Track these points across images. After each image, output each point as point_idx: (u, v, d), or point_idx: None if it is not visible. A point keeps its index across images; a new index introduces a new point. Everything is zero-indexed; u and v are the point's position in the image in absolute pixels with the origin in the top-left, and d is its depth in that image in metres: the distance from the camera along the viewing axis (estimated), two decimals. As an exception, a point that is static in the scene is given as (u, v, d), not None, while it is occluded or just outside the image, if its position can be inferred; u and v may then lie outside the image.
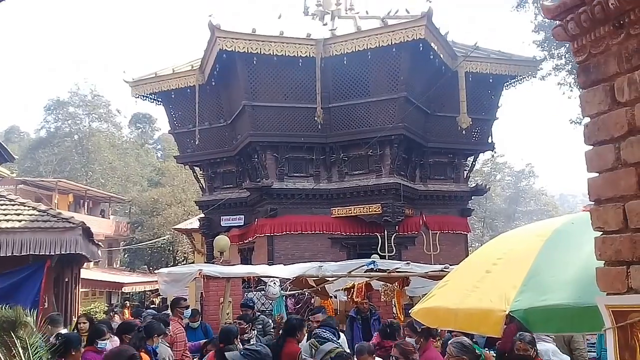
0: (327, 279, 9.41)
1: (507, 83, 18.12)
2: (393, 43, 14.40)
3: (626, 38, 1.94)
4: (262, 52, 14.77)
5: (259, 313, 9.60)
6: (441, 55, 15.28)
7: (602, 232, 2.02)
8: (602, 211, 2.01)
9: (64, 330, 7.19)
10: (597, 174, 2.05)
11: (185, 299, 9.94)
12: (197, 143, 17.29)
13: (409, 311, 4.17)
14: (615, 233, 1.95)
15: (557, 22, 2.21)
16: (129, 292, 33.99)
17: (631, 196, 1.89)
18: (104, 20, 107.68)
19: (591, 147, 2.08)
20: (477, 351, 4.85)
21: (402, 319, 9.14)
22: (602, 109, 2.02)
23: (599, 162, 2.03)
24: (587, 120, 2.11)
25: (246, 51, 14.71)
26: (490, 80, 17.13)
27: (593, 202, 2.07)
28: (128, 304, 25.70)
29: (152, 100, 18.58)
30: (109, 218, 39.83)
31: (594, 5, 1.99)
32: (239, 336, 6.22)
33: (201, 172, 19.37)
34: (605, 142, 2.00)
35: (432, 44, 14.67)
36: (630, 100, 1.91)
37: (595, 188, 2.04)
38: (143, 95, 18.09)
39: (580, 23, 2.07)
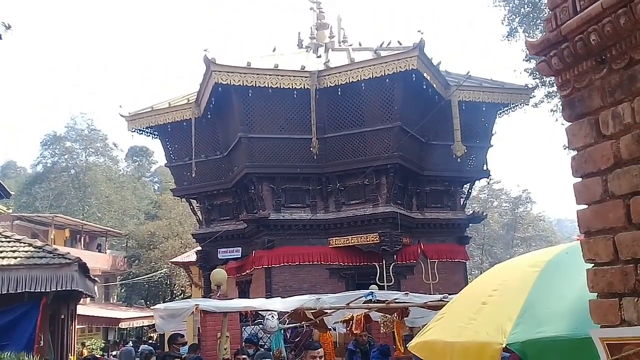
0: (326, 311, 9.32)
1: (500, 111, 18.30)
2: (386, 74, 14.59)
3: (609, 73, 1.99)
4: (257, 85, 14.94)
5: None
6: (434, 85, 15.48)
7: (593, 264, 2.03)
8: (592, 243, 2.02)
9: None
10: (586, 206, 2.07)
11: (183, 335, 9.84)
12: (193, 176, 17.32)
13: (407, 344, 4.14)
14: (607, 265, 1.96)
15: (542, 57, 2.26)
16: (126, 328, 33.63)
17: (620, 228, 1.90)
18: (101, 55, 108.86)
19: (579, 179, 2.11)
20: None
21: (402, 351, 9.05)
22: (588, 141, 2.05)
23: (587, 194, 2.05)
24: (574, 152, 2.14)
25: (241, 84, 14.87)
26: (484, 109, 17.31)
27: (583, 234, 2.09)
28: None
29: (148, 134, 18.68)
30: (106, 252, 39.59)
31: (575, 41, 2.04)
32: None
33: (198, 204, 19.35)
34: (592, 174, 2.03)
35: (425, 74, 14.87)
36: (615, 133, 1.95)
37: (585, 220, 2.06)
38: (139, 129, 18.18)
39: (564, 58, 2.11)
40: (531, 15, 18.83)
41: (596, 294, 2.02)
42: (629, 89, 1.91)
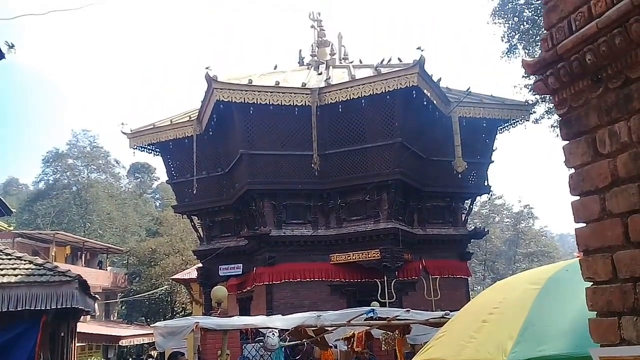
0: (327, 328, 9.27)
1: (501, 127, 18.35)
2: (387, 90, 14.66)
3: (605, 92, 2.00)
4: (258, 102, 15.00)
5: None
6: (434, 101, 15.54)
7: (592, 283, 2.02)
8: (591, 261, 2.02)
9: None
10: (584, 224, 2.07)
11: (183, 353, 9.77)
12: (194, 192, 17.33)
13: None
14: (605, 283, 1.95)
15: (539, 76, 2.28)
16: (127, 346, 33.40)
17: (618, 246, 1.90)
18: (103, 71, 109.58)
19: (577, 197, 2.11)
20: None
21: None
22: (586, 160, 2.06)
23: (585, 212, 2.05)
24: (571, 171, 2.14)
25: (243, 101, 14.94)
26: (484, 125, 17.36)
27: (582, 252, 2.09)
28: None
29: (150, 151, 18.72)
30: (107, 269, 39.49)
31: (571, 60, 2.06)
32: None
33: (199, 221, 19.33)
34: (590, 192, 2.04)
35: (425, 91, 14.94)
36: (612, 152, 1.96)
37: (583, 238, 2.06)
38: (141, 146, 18.23)
39: (560, 78, 2.13)
40: (531, 32, 18.94)
41: (595, 312, 2.01)
42: (625, 107, 1.92)
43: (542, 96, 19.75)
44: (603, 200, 1.98)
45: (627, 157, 1.89)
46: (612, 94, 1.98)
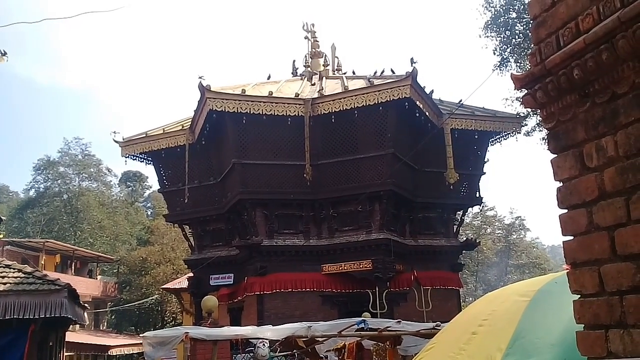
0: (317, 339, 9.24)
1: (493, 139, 18.47)
2: (379, 102, 14.74)
3: (592, 106, 2.02)
4: (251, 112, 15.05)
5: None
6: (427, 113, 15.63)
7: (579, 296, 2.04)
8: (578, 274, 2.03)
9: None
10: (572, 237, 2.09)
11: (172, 363, 9.70)
12: (186, 201, 17.28)
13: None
14: (593, 296, 1.96)
15: (527, 90, 2.30)
16: (116, 355, 33.11)
17: (605, 260, 1.92)
18: (97, 79, 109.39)
19: (565, 210, 2.13)
20: None
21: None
22: (573, 173, 2.08)
23: (572, 225, 2.07)
24: (559, 184, 2.16)
25: (236, 111, 14.97)
26: (476, 136, 17.47)
27: (570, 265, 2.10)
28: None
29: (142, 160, 18.67)
30: (97, 278, 39.17)
31: (559, 75, 2.08)
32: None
33: (190, 230, 19.26)
34: (577, 206, 2.05)
35: (418, 102, 15.03)
36: (599, 166, 1.98)
37: (571, 251, 2.07)
38: (133, 155, 18.18)
39: (548, 92, 2.16)
40: (522, 45, 19.09)
41: (583, 325, 2.02)
42: (611, 122, 1.94)
43: (533, 109, 19.87)
44: (590, 214, 1.99)
45: (613, 171, 1.91)
46: (599, 108, 2.00)
